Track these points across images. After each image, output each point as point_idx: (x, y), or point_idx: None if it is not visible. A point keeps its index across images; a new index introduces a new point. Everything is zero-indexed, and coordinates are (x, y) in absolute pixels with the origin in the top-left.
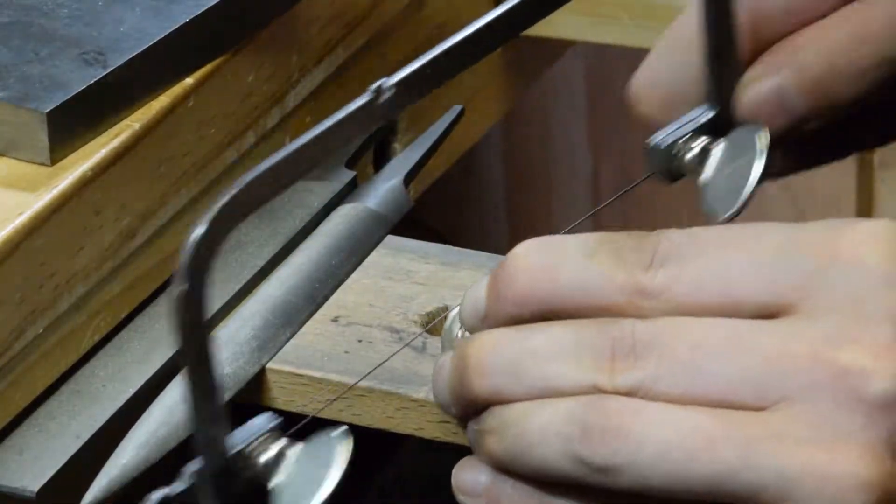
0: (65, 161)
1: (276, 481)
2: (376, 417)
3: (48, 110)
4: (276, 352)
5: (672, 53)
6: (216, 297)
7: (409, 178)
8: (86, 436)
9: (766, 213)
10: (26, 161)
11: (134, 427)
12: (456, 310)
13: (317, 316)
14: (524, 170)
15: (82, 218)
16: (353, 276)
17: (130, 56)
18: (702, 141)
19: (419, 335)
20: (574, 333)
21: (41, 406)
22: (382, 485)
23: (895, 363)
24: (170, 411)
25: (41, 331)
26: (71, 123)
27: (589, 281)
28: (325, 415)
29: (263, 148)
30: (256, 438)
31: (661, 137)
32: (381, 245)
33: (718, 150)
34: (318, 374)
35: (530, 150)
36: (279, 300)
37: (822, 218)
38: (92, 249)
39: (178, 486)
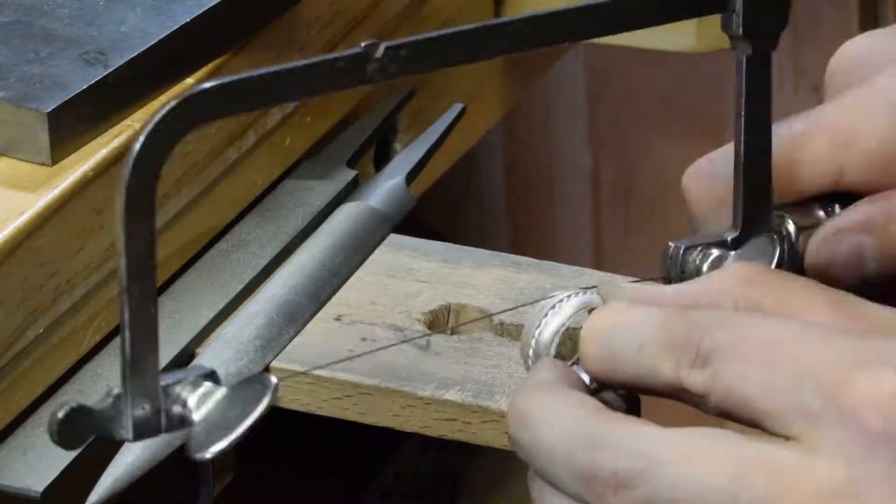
0: (65, 161)
1: (195, 418)
2: (382, 415)
3: (49, 110)
4: (280, 350)
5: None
6: (219, 297)
7: (411, 177)
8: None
9: None
10: (27, 161)
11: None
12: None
13: (320, 314)
14: (524, 169)
15: (83, 218)
16: (356, 274)
17: (131, 56)
18: (716, 252)
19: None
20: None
21: (45, 406)
22: (382, 485)
23: None
24: None
25: (41, 331)
26: (72, 123)
27: (639, 375)
28: (328, 412)
29: (263, 148)
30: (185, 379)
31: (678, 244)
32: (382, 243)
33: (730, 260)
34: (322, 373)
35: (530, 150)
36: (282, 299)
37: None
38: (92, 249)
39: (97, 404)
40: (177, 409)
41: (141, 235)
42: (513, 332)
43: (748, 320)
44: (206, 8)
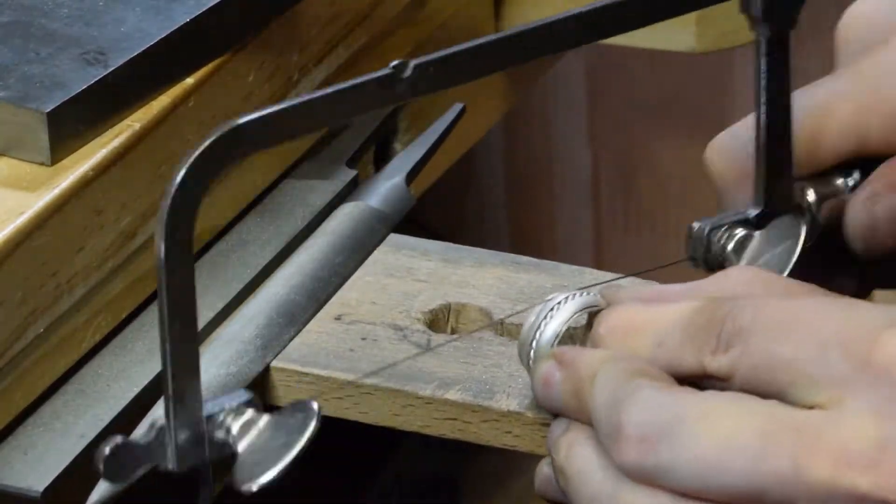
0: (65, 161)
1: (240, 448)
2: (382, 415)
3: (49, 110)
4: (281, 350)
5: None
6: (219, 297)
7: (411, 177)
8: (91, 435)
9: None
10: (27, 161)
11: (139, 426)
12: (533, 320)
13: (320, 314)
14: (524, 169)
15: (83, 218)
16: (356, 273)
17: (131, 56)
18: (741, 232)
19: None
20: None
21: (45, 405)
22: (382, 485)
23: None
24: None
25: (42, 331)
26: (71, 123)
27: (662, 367)
28: (330, 412)
29: None
30: (228, 406)
31: (702, 224)
32: (382, 243)
33: (756, 239)
34: (323, 373)
35: (530, 150)
36: (282, 299)
37: None
38: (92, 249)
39: (141, 437)
40: (220, 435)
41: (182, 268)
42: (513, 332)
43: (767, 302)
44: (206, 8)
